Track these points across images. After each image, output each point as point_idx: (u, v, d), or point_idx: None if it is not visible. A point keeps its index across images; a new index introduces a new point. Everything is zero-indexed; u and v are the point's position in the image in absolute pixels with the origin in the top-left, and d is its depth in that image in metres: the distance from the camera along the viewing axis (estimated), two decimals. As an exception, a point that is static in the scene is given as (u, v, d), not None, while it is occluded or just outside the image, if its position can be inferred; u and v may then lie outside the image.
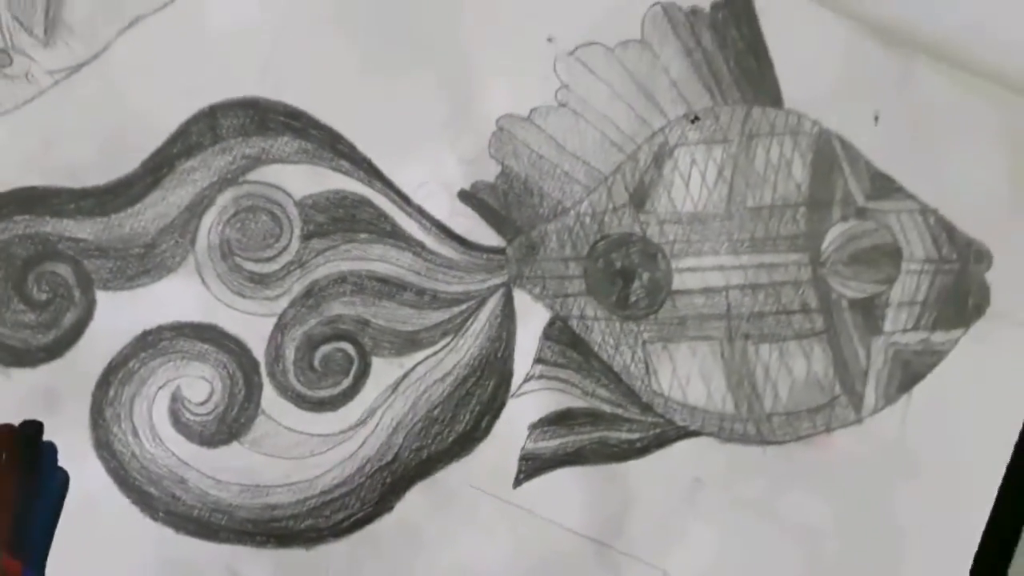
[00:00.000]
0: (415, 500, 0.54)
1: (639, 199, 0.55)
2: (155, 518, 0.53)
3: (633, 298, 0.55)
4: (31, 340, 0.54)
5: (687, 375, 0.55)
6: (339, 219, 0.55)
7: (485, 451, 0.54)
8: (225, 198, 0.55)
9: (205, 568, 0.53)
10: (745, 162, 0.55)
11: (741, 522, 0.54)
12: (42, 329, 0.54)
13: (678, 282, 0.55)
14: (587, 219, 0.55)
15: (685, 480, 0.54)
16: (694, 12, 0.56)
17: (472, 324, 0.55)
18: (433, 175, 0.55)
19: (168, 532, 0.53)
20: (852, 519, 0.54)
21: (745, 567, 0.54)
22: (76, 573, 0.50)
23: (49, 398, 0.54)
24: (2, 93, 0.56)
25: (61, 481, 0.52)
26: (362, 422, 0.54)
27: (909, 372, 0.55)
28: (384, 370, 0.55)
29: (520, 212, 0.55)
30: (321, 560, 0.53)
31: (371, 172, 0.55)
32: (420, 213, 0.55)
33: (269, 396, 0.54)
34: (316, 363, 0.54)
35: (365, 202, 0.55)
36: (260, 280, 0.55)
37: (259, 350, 0.54)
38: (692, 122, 0.56)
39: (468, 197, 0.55)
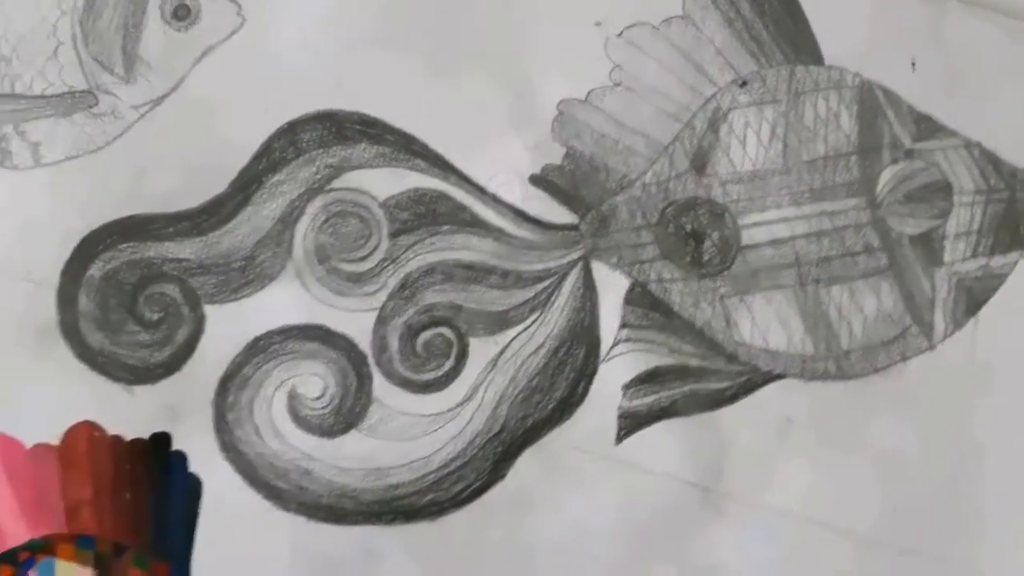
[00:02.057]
0: (525, 466, 0.57)
1: (700, 164, 0.59)
2: (287, 509, 0.57)
3: (706, 257, 0.59)
4: (149, 358, 0.58)
5: (766, 323, 0.58)
6: (422, 215, 0.59)
7: (584, 414, 0.58)
8: (314, 206, 0.59)
9: (339, 550, 0.56)
10: (795, 119, 0.59)
11: (830, 454, 0.58)
12: (158, 347, 0.58)
13: (746, 237, 0.59)
14: (653, 188, 0.59)
15: (775, 421, 0.58)
16: (730, -18, 0.59)
17: (557, 298, 0.59)
18: (503, 164, 0.59)
19: (300, 521, 0.57)
20: (933, 441, 0.58)
21: (839, 495, 0.57)
22: (220, 568, 0.54)
23: (173, 410, 0.57)
24: (93, 131, 0.59)
25: (194, 486, 0.56)
26: (468, 399, 0.58)
27: (973, 297, 0.58)
28: (481, 349, 0.58)
29: (589, 189, 0.59)
30: (446, 530, 0.57)
31: (446, 168, 0.59)
32: (495, 201, 0.59)
33: (379, 384, 0.58)
34: (418, 349, 0.58)
35: (444, 196, 0.59)
36: (357, 279, 0.58)
37: (365, 343, 0.58)
38: (741, 87, 0.59)
39: (539, 180, 0.59)
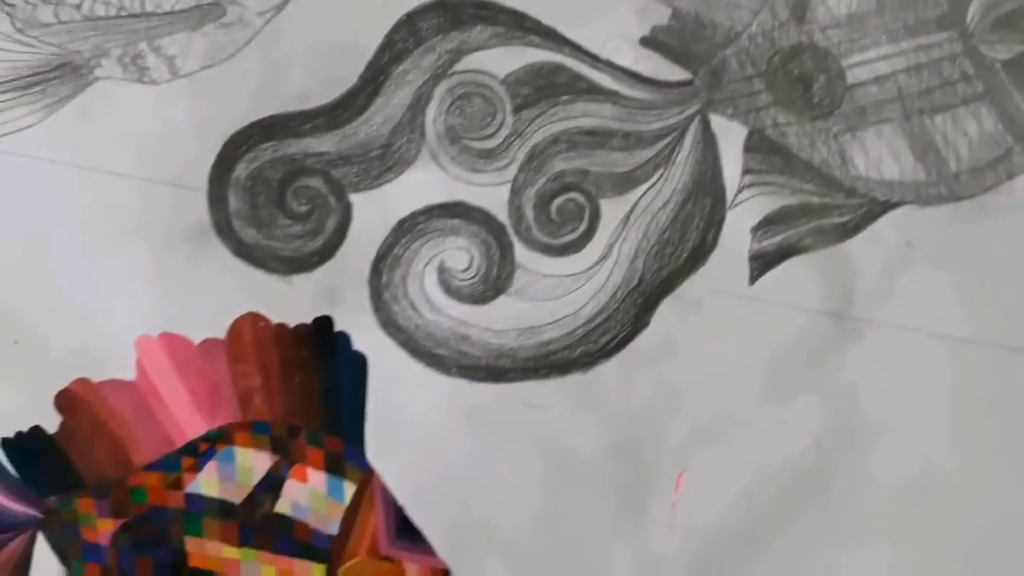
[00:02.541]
0: (666, 313, 0.61)
1: (799, 12, 0.62)
2: (449, 374, 0.61)
3: (816, 99, 0.62)
4: (302, 248, 0.61)
5: (878, 156, 0.62)
6: (541, 88, 0.62)
7: (716, 260, 0.61)
8: (440, 91, 0.62)
9: (502, 405, 0.60)
10: (884, -40, 0.62)
11: (956, 270, 0.61)
12: (310, 236, 0.61)
13: (851, 77, 0.62)
14: (759, 39, 0.62)
15: (897, 246, 0.61)
16: None
17: (678, 153, 0.62)
18: (613, 30, 0.62)
19: (463, 383, 0.61)
20: (1048, 250, 0.61)
21: (965, 308, 0.61)
22: (392, 436, 0.58)
23: (331, 294, 0.61)
24: (224, 40, 0.62)
25: (359, 363, 0.60)
26: (605, 256, 0.61)
27: (1072, 112, 0.62)
28: (612, 209, 0.62)
29: (698, 45, 0.62)
30: (598, 379, 0.61)
31: (559, 40, 0.62)
32: (609, 66, 0.62)
33: (520, 251, 0.61)
34: (553, 215, 0.61)
35: (560, 68, 0.62)
36: (488, 155, 0.62)
37: (502, 214, 0.61)
38: (831, -66, 0.62)
39: (649, 42, 0.62)
